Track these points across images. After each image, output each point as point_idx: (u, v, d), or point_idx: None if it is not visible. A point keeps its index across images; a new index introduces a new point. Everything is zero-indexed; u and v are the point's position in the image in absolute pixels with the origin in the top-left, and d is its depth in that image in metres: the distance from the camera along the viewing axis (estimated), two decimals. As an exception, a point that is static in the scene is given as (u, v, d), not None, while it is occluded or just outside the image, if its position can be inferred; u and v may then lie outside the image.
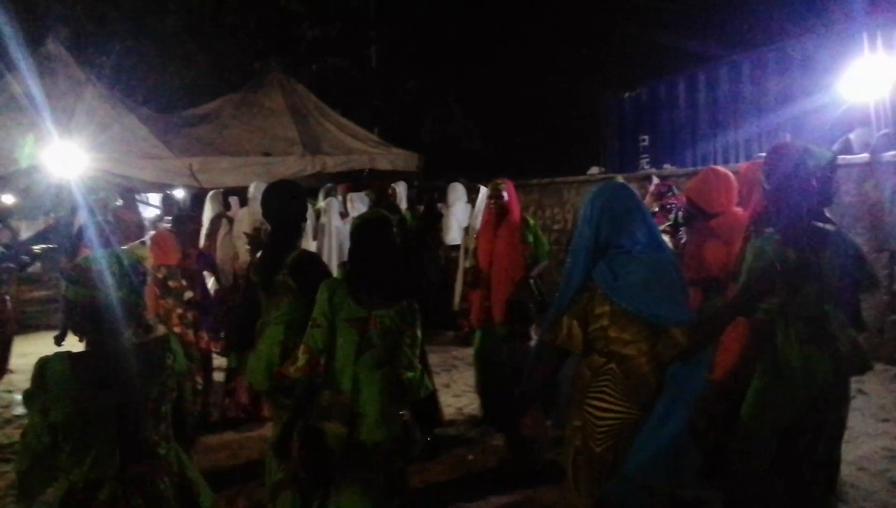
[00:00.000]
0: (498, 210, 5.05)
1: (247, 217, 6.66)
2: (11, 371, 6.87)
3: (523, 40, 13.25)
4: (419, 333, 2.91)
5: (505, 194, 5.06)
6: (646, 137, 9.66)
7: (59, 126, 7.61)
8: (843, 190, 6.31)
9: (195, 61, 13.32)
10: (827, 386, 2.80)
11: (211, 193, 7.78)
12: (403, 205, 8.56)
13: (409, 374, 2.84)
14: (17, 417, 5.75)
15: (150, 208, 10.64)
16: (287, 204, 3.50)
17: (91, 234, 5.31)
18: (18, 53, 8.10)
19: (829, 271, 2.83)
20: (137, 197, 9.94)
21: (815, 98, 7.59)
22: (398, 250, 2.95)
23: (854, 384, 5.64)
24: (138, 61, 12.56)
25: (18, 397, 5.63)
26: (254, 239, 5.20)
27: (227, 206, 8.18)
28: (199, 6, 13.40)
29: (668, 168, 8.53)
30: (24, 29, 9.29)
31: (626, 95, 10.99)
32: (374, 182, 9.24)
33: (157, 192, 10.33)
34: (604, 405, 2.53)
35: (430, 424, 4.71)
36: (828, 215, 3.50)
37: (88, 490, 2.15)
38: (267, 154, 8.93)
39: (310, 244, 7.53)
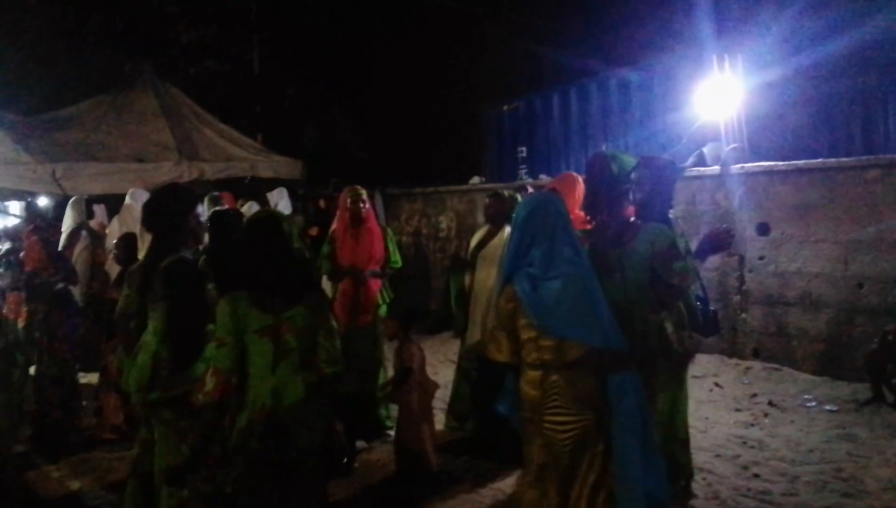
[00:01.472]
0: (358, 214, 5.13)
1: (117, 227, 6.36)
2: None
3: (407, 51, 13.40)
4: (335, 324, 2.80)
5: (365, 200, 5.19)
6: (523, 148, 10.03)
7: None
8: (698, 199, 6.87)
9: (59, 61, 12.51)
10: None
11: (72, 199, 7.26)
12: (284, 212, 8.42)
13: (330, 370, 2.74)
14: None
15: (11, 217, 9.88)
16: (174, 211, 3.25)
17: None
18: None
19: (631, 263, 2.99)
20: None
21: (674, 114, 8.18)
22: (292, 247, 2.82)
23: (710, 378, 6.17)
24: (-7, 61, 11.68)
25: None
26: (123, 248, 4.98)
27: (91, 214, 7.71)
28: (63, 3, 12.61)
29: (543, 178, 8.90)
30: None
31: (505, 108, 11.37)
32: (257, 189, 9.05)
33: (18, 200, 9.66)
34: (559, 418, 2.56)
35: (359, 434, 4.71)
36: (671, 216, 3.82)
37: None
38: (140, 160, 8.51)
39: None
